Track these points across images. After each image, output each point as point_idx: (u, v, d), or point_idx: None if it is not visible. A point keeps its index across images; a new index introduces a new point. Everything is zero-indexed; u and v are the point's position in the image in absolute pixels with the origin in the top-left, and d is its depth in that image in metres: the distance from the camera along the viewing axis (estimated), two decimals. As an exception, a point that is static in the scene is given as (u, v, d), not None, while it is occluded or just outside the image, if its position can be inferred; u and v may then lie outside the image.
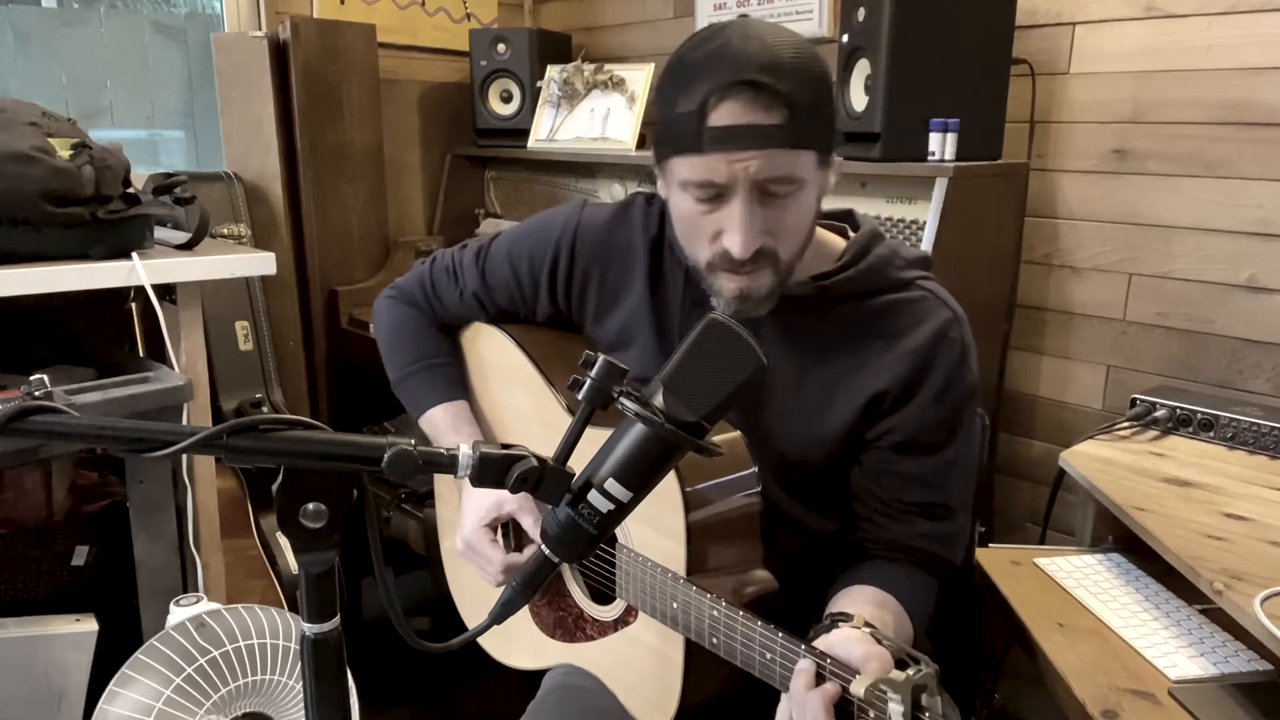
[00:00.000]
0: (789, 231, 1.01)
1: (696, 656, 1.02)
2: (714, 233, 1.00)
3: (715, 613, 0.95)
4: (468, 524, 1.19)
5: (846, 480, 1.13)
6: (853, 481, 1.12)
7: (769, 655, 0.90)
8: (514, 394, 1.28)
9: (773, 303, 1.05)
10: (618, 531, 1.11)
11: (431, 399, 1.29)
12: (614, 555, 1.11)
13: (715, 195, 0.98)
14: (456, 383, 1.32)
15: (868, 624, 0.93)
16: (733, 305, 1.03)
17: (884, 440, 1.08)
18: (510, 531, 1.28)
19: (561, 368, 1.23)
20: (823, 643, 0.87)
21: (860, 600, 1.01)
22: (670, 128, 0.99)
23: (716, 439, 1.05)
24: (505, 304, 1.28)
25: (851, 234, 1.15)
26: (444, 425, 1.27)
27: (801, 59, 0.95)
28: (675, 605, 1.01)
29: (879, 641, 0.87)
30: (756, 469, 1.07)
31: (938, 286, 1.12)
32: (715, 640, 0.96)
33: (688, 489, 1.01)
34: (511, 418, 1.30)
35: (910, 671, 0.76)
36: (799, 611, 1.10)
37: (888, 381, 1.06)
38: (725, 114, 0.93)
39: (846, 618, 0.94)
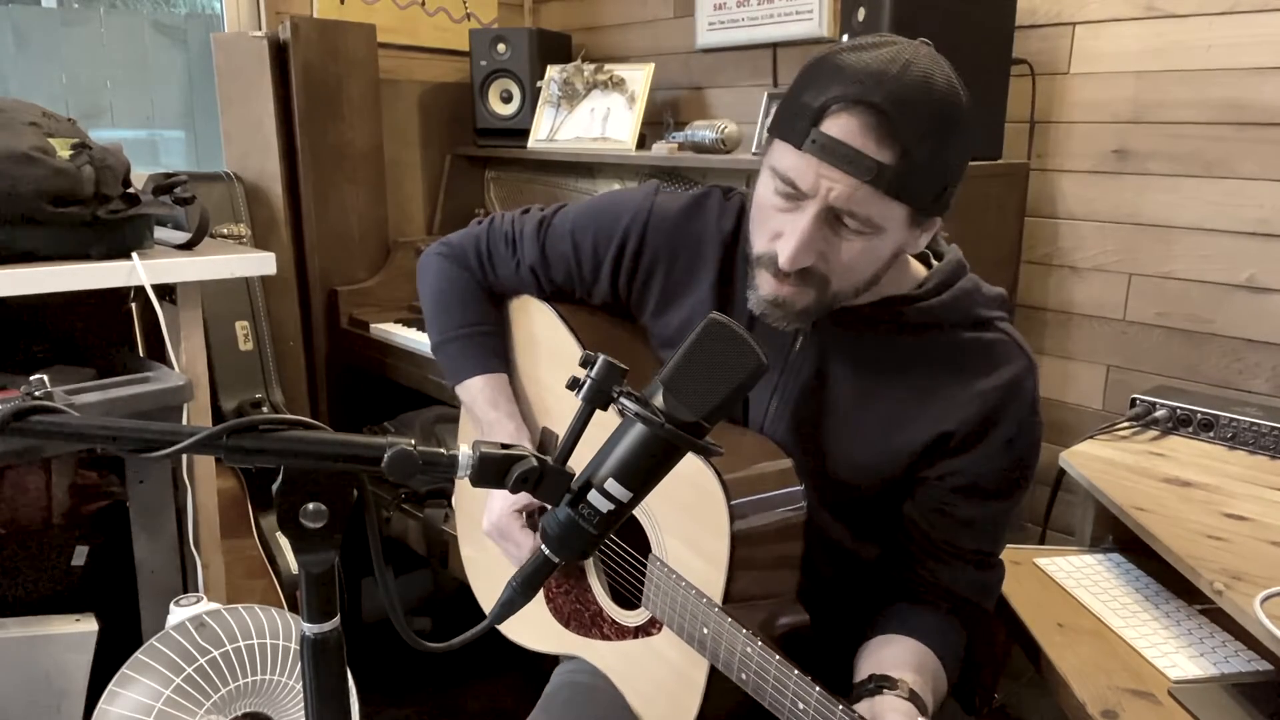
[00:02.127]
0: (845, 267, 0.95)
1: (719, 684, 1.00)
2: (775, 232, 0.96)
3: (749, 649, 0.93)
4: (497, 508, 1.19)
5: (895, 510, 1.10)
6: (905, 516, 1.09)
7: (801, 705, 0.88)
8: (557, 376, 1.25)
9: (805, 322, 1.01)
10: (651, 542, 1.09)
11: (473, 368, 1.27)
12: (644, 563, 1.09)
13: (793, 197, 0.94)
14: (499, 354, 1.29)
15: (913, 691, 0.92)
16: (762, 307, 0.99)
17: (945, 481, 1.05)
18: (538, 516, 1.27)
19: (610, 356, 1.21)
20: (865, 707, 0.86)
21: (903, 659, 1.00)
22: (789, 110, 0.94)
23: (769, 469, 1.03)
24: (562, 281, 1.24)
25: (935, 261, 1.10)
26: (482, 398, 1.25)
27: (945, 114, 0.90)
28: (706, 631, 0.98)
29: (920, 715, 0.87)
30: (802, 487, 1.03)
31: (1015, 330, 1.08)
32: (744, 676, 0.94)
33: (736, 516, 0.97)
34: (551, 400, 1.28)
35: None
36: (829, 636, 1.08)
37: (956, 422, 1.03)
38: (838, 127, 0.89)
39: (890, 683, 0.93)
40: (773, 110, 0.98)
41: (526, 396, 1.31)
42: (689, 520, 1.03)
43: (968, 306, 1.05)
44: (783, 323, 1.00)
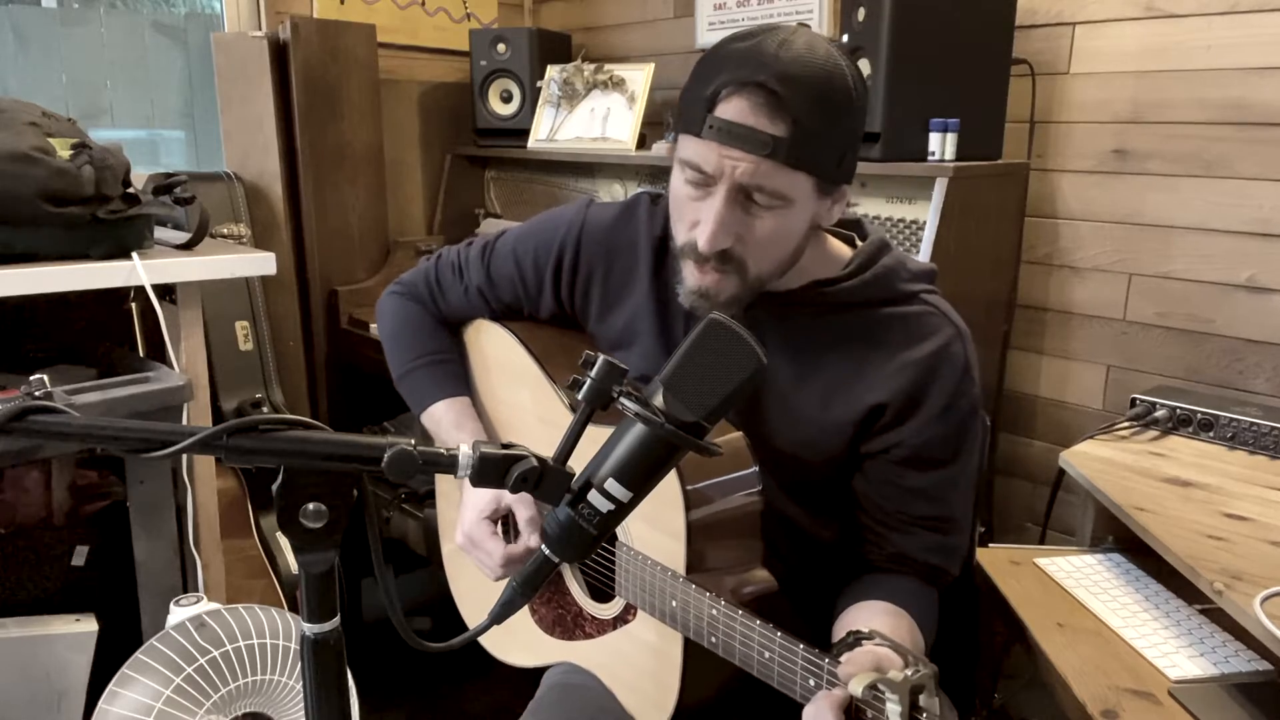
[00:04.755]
0: (761, 245, 1.00)
1: (695, 655, 1.02)
2: (693, 221, 1.01)
3: (714, 611, 0.95)
4: (468, 517, 1.19)
5: (847, 487, 1.12)
6: (856, 491, 1.12)
7: (767, 654, 0.91)
8: (516, 391, 1.28)
9: (732, 310, 1.04)
10: (617, 529, 1.11)
11: (434, 395, 1.29)
12: (613, 553, 1.11)
13: (703, 183, 0.99)
14: (459, 379, 1.32)
15: (892, 641, 0.92)
16: (690, 300, 1.04)
17: (889, 454, 1.08)
18: (511, 525, 1.28)
19: (564, 366, 1.23)
20: (848, 658, 0.87)
21: (875, 618, 1.01)
22: (686, 106, 0.99)
23: (718, 438, 1.05)
24: (509, 300, 1.29)
25: (859, 243, 1.14)
26: (446, 422, 1.27)
27: (828, 83, 0.94)
28: (674, 604, 1.01)
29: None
30: (757, 468, 1.07)
31: (941, 301, 1.11)
32: (714, 639, 0.96)
33: (689, 487, 1.01)
34: (514, 415, 1.30)
35: (909, 671, 0.76)
36: (798, 613, 1.10)
37: (888, 394, 1.06)
38: (731, 109, 0.94)
39: (867, 635, 0.93)
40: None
41: (489, 415, 1.33)
42: (648, 499, 1.04)
43: (890, 283, 1.09)
44: (711, 312, 1.03)
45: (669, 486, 1.01)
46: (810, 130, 0.94)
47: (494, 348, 1.32)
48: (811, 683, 0.86)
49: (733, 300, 1.03)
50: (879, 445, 1.08)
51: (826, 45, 0.97)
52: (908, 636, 1.00)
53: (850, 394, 1.07)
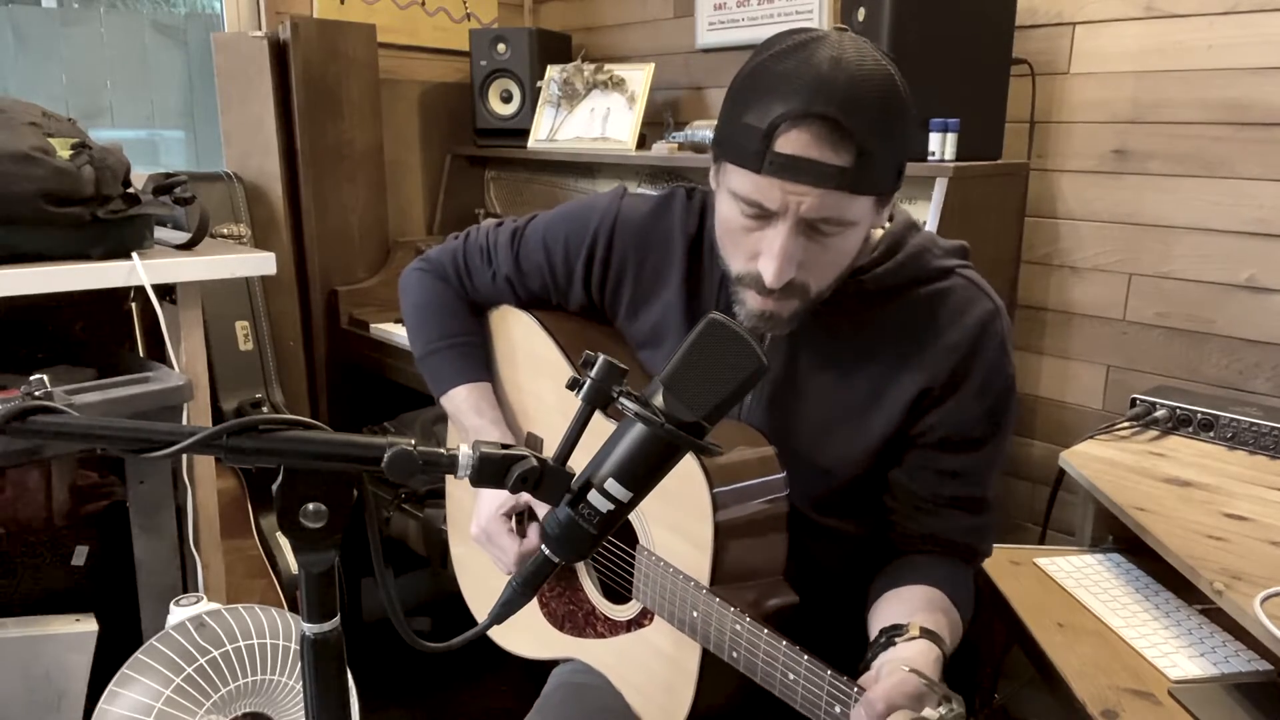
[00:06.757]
0: (825, 268, 0.98)
1: (711, 667, 1.01)
2: (751, 252, 0.98)
3: (738, 627, 0.94)
4: (484, 512, 1.19)
5: (882, 480, 1.10)
6: (889, 479, 1.09)
7: (791, 676, 0.89)
8: (538, 382, 1.27)
9: (794, 326, 1.03)
10: (638, 533, 1.10)
11: (455, 378, 1.28)
12: (633, 556, 1.10)
13: (762, 216, 0.95)
14: (482, 364, 1.31)
15: (924, 629, 0.92)
16: (752, 322, 1.01)
17: (926, 436, 1.06)
18: (525, 520, 1.27)
19: None
20: (880, 663, 0.86)
21: (911, 604, 1.00)
22: (734, 134, 0.94)
23: (749, 453, 1.05)
24: (538, 289, 1.26)
25: (886, 223, 1.10)
26: (466, 406, 1.26)
27: (886, 100, 0.91)
28: (695, 614, 0.99)
29: (936, 646, 0.89)
30: (785, 474, 1.05)
31: (976, 275, 1.08)
32: (735, 654, 0.95)
33: (717, 498, 0.99)
34: (534, 405, 1.29)
35: (942, 710, 0.76)
36: (828, 617, 1.08)
37: (931, 378, 1.04)
38: (792, 143, 0.89)
39: (900, 630, 0.92)
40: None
41: (510, 404, 1.32)
42: (673, 507, 1.03)
43: (924, 261, 1.06)
44: (773, 331, 1.03)
45: (697, 496, 0.99)
46: (874, 153, 0.90)
47: (520, 336, 1.30)
48: (838, 709, 0.85)
49: (794, 318, 1.01)
50: (918, 429, 1.06)
51: (874, 52, 0.92)
52: (946, 624, 0.98)
53: (897, 386, 1.05)
